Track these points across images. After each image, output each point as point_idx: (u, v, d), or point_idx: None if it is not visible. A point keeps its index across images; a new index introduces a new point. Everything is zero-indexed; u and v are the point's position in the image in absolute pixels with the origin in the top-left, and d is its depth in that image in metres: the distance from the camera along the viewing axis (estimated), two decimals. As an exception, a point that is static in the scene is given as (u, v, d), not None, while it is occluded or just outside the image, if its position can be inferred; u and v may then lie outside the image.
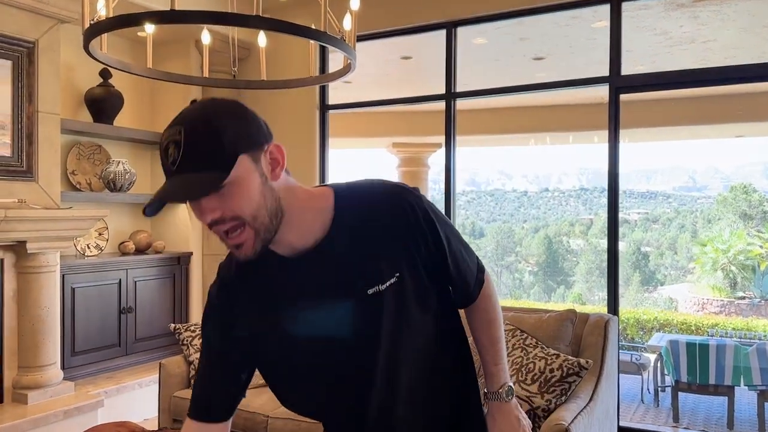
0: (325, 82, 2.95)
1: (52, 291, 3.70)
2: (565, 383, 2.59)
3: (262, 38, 2.56)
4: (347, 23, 2.34)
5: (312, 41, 2.36)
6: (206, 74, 2.62)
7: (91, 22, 1.91)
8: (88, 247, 4.37)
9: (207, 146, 0.99)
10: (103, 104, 4.32)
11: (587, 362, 2.63)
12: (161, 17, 1.99)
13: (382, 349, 1.18)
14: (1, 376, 3.57)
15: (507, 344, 2.88)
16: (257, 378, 1.26)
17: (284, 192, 1.10)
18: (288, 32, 1.93)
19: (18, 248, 3.54)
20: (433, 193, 10.00)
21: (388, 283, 1.15)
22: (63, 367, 3.85)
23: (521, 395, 2.63)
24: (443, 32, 4.47)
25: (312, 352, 1.20)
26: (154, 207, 1.02)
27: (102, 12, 2.16)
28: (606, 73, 4.00)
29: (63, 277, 3.93)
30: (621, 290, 3.96)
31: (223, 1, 4.29)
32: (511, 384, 1.35)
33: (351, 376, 1.21)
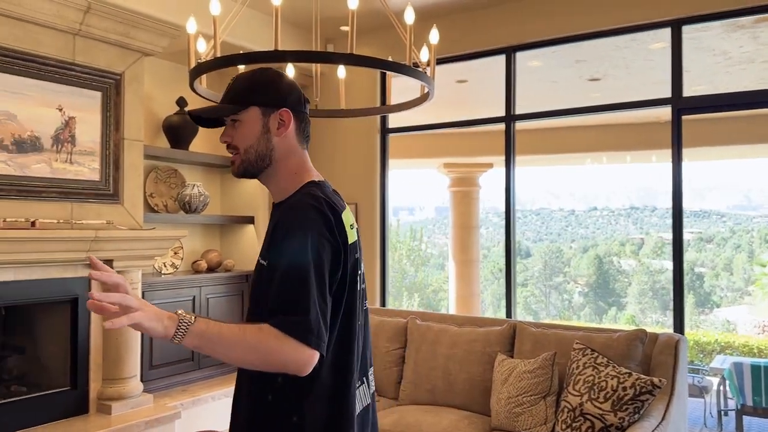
0: (402, 110, 3.10)
1: (134, 307, 3.91)
2: (638, 401, 2.64)
3: (341, 71, 2.73)
4: (424, 55, 2.49)
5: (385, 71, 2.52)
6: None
7: (199, 61, 2.10)
8: (165, 266, 4.61)
9: (236, 92, 1.44)
10: (180, 131, 4.58)
11: (660, 381, 2.67)
12: (252, 58, 2.16)
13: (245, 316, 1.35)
14: (87, 387, 3.79)
15: (578, 363, 2.94)
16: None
17: (282, 151, 1.44)
18: (386, 69, 2.09)
19: (106, 267, 3.77)
20: (484, 212, 10.00)
21: (263, 261, 1.39)
22: (142, 380, 4.06)
23: (593, 413, 2.68)
24: (500, 56, 4.59)
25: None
26: (194, 116, 1.45)
27: (201, 49, 2.36)
28: (665, 93, 4.06)
29: (143, 294, 4.15)
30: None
31: (306, 36, 4.53)
32: (189, 320, 1.31)
33: None
